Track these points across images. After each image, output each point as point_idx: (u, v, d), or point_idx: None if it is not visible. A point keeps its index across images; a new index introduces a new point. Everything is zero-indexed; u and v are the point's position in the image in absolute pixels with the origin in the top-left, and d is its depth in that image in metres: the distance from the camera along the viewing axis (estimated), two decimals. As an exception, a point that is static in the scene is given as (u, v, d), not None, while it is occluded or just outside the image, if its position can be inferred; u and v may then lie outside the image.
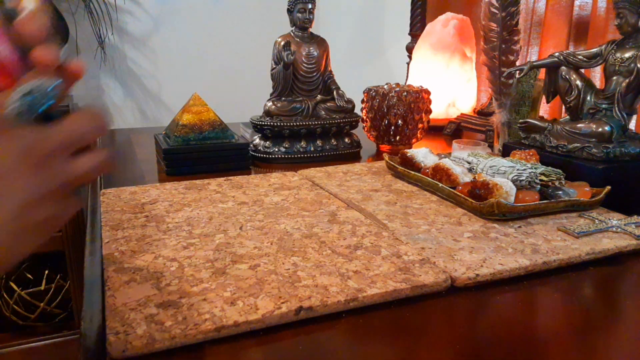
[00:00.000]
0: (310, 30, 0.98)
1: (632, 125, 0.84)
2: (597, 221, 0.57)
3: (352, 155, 0.96)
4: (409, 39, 1.53)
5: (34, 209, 0.32)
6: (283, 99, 0.94)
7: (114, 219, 0.56)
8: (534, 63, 0.78)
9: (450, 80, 1.26)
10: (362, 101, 1.00)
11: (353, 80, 1.34)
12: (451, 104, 1.28)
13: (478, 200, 0.59)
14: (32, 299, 1.30)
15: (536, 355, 0.35)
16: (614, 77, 0.70)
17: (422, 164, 0.73)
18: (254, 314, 0.37)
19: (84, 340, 0.38)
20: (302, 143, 0.93)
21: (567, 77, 0.74)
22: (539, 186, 0.61)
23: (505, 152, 0.78)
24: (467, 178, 0.65)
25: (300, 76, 0.96)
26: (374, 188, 0.71)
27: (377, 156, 0.97)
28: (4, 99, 0.30)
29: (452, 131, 1.21)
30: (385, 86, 0.97)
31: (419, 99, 0.95)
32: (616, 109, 0.69)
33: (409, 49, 1.48)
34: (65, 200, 0.35)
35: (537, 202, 0.59)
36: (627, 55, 0.68)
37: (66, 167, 0.33)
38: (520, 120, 0.78)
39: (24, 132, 0.31)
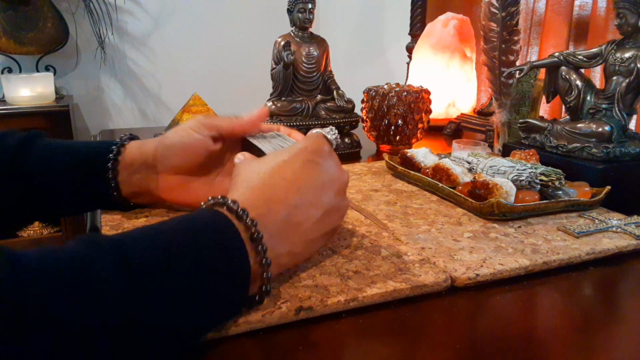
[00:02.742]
0: (310, 30, 0.98)
1: (632, 125, 0.84)
2: (597, 221, 0.57)
3: (352, 155, 0.96)
4: (409, 39, 1.53)
5: (328, 218, 0.43)
6: (283, 99, 0.94)
7: (113, 218, 0.56)
8: (534, 63, 0.78)
9: (450, 80, 1.26)
10: (362, 101, 1.00)
11: (353, 80, 1.34)
12: (451, 104, 1.28)
13: (478, 200, 0.59)
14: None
15: (536, 355, 0.35)
16: (614, 77, 0.70)
17: (422, 164, 0.73)
18: (254, 314, 0.37)
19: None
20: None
21: (567, 77, 0.74)
22: (539, 186, 0.61)
23: (505, 152, 0.78)
24: (467, 178, 0.65)
25: (300, 76, 0.96)
26: (374, 188, 0.71)
27: (377, 156, 0.97)
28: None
29: (452, 131, 1.21)
30: (385, 86, 0.97)
31: (419, 99, 0.95)
32: (616, 109, 0.69)
33: (409, 49, 1.48)
34: (341, 215, 0.46)
35: (537, 202, 0.59)
36: (627, 55, 0.68)
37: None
38: (520, 120, 0.78)
39: (341, 170, 0.45)
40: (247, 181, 0.41)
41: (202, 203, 0.38)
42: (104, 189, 0.53)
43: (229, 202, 0.37)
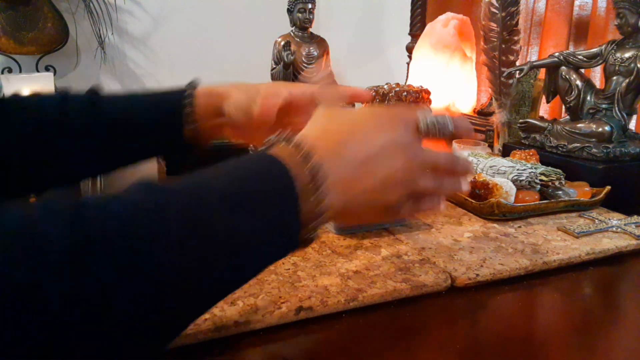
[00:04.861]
0: (310, 30, 0.98)
1: (632, 125, 0.84)
2: (597, 221, 0.57)
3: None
4: (409, 39, 1.53)
5: (388, 190, 0.40)
6: (283, 99, 0.94)
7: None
8: (534, 63, 0.78)
9: (450, 80, 1.26)
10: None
11: (353, 80, 1.34)
12: (451, 104, 1.28)
13: (478, 200, 0.59)
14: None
15: (536, 354, 0.35)
16: (614, 77, 0.70)
17: (422, 164, 0.72)
18: (254, 314, 0.37)
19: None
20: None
21: (567, 77, 0.74)
22: (539, 186, 0.61)
23: (505, 152, 0.78)
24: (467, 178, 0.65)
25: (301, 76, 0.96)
26: (374, 188, 0.71)
27: (377, 156, 0.97)
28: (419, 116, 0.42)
29: (452, 131, 1.20)
30: (385, 86, 0.97)
31: (419, 99, 0.95)
32: (616, 109, 0.69)
33: (409, 49, 1.48)
34: (409, 205, 0.43)
35: (537, 202, 0.59)
36: (627, 55, 0.68)
37: (424, 181, 0.42)
38: (520, 120, 0.78)
39: (420, 145, 0.42)
40: (320, 124, 0.41)
41: (271, 137, 0.38)
42: (178, 127, 0.56)
43: (300, 143, 0.36)
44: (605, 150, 0.66)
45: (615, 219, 0.57)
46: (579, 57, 0.73)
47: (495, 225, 0.56)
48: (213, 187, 0.33)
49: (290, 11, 0.96)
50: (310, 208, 0.35)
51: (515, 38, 0.80)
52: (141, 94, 0.59)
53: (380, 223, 0.54)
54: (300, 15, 0.94)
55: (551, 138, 0.72)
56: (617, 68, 0.69)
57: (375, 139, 0.40)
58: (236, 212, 0.32)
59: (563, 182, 0.63)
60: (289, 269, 0.44)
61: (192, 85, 0.58)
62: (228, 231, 0.32)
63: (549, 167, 0.64)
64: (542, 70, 0.83)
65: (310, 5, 0.94)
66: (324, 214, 0.36)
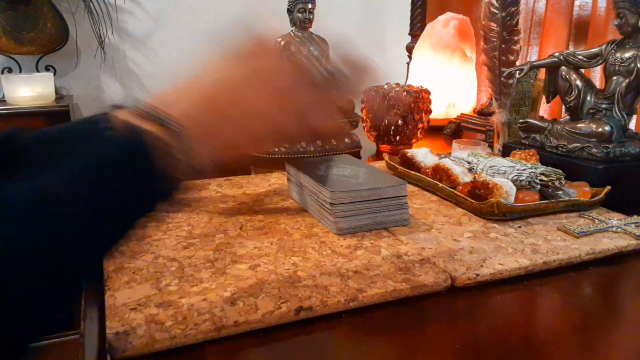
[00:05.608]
0: (310, 30, 0.98)
1: (632, 125, 0.84)
2: (597, 221, 0.57)
3: (352, 155, 0.96)
4: (409, 39, 1.53)
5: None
6: (283, 99, 0.94)
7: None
8: (534, 63, 0.78)
9: (450, 80, 1.26)
10: (362, 101, 0.99)
11: (353, 80, 1.34)
12: (451, 104, 1.28)
13: (478, 200, 0.59)
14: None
15: (536, 355, 0.35)
16: (614, 77, 0.70)
17: (422, 164, 0.73)
18: (254, 314, 0.37)
19: (84, 340, 0.38)
20: (302, 143, 0.92)
21: (567, 77, 0.74)
22: (539, 186, 0.61)
23: (505, 152, 0.78)
24: (467, 178, 0.65)
25: (300, 76, 0.96)
26: (374, 188, 0.70)
27: (377, 156, 0.97)
28: None
29: (452, 131, 1.21)
30: (385, 86, 0.97)
31: (419, 99, 0.95)
32: (616, 109, 0.69)
33: (409, 49, 1.48)
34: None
35: (537, 202, 0.59)
36: (627, 55, 0.68)
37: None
38: (520, 120, 0.78)
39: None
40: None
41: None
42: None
43: None
44: (605, 150, 0.66)
45: (615, 219, 0.57)
46: (579, 57, 0.73)
47: (495, 225, 0.56)
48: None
49: (290, 11, 0.96)
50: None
51: (515, 38, 0.80)
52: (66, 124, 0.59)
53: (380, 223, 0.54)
54: (300, 15, 0.94)
55: (551, 138, 0.72)
56: (617, 68, 0.69)
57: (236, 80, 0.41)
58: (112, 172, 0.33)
59: (563, 182, 0.63)
60: (289, 269, 0.44)
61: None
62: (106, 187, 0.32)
63: (549, 167, 0.64)
64: (542, 70, 0.83)
65: (310, 5, 0.94)
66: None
